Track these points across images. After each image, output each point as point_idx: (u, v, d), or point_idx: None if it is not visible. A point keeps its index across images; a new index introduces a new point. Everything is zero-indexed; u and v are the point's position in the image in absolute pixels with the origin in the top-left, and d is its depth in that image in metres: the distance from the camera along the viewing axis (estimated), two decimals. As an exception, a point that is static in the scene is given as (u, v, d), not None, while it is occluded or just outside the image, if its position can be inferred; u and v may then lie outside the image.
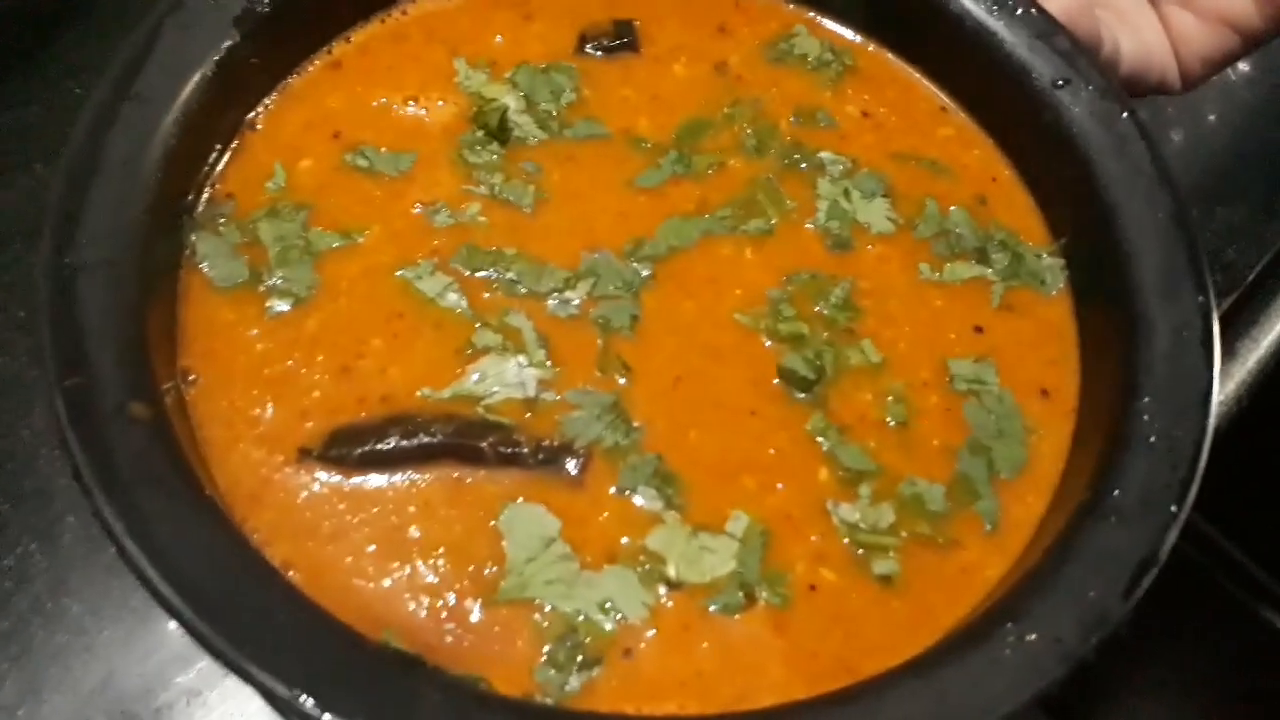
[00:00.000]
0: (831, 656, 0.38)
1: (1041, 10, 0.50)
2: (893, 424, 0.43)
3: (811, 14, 0.54)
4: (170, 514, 0.34)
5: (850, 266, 0.47)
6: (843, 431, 0.43)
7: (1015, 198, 0.50)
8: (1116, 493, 0.38)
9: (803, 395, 0.43)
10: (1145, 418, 0.40)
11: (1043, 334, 0.47)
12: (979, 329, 0.46)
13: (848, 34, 0.54)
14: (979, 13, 0.50)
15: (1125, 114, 0.47)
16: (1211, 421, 0.39)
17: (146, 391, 0.37)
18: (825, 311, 0.45)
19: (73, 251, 0.39)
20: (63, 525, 0.52)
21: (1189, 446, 0.38)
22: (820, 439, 0.42)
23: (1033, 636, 0.34)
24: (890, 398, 0.44)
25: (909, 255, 0.48)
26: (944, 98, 0.53)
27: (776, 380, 0.43)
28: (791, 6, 0.54)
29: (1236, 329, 0.64)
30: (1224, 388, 0.62)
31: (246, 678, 0.31)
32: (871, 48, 0.54)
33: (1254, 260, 0.70)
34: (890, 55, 0.53)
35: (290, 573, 0.37)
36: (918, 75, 0.53)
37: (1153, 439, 0.39)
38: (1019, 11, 0.50)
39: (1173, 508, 0.37)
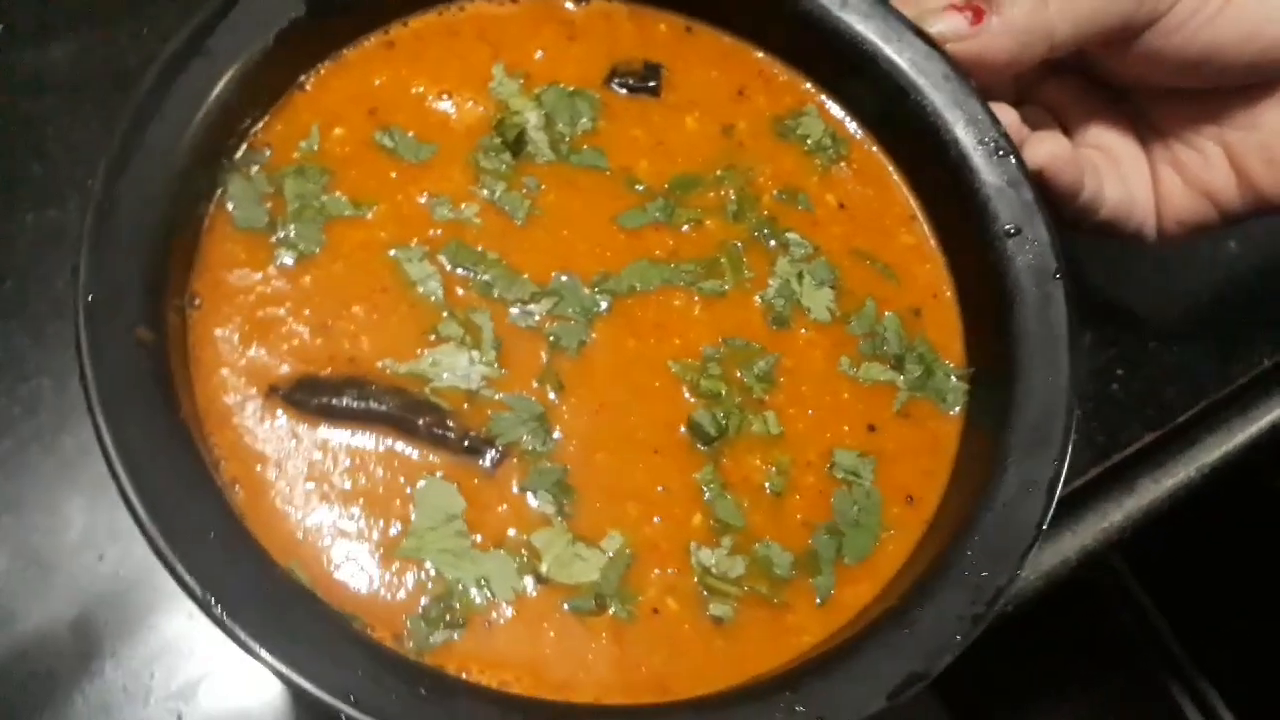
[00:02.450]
0: (652, 673, 0.46)
1: (1020, 161, 0.54)
2: (769, 491, 0.50)
3: (823, 97, 0.59)
4: (148, 426, 0.42)
5: (781, 343, 0.53)
6: (725, 487, 0.50)
7: (947, 318, 0.56)
8: (919, 609, 0.45)
9: (703, 447, 0.50)
10: (969, 552, 0.46)
11: (927, 446, 0.53)
12: (872, 428, 0.53)
13: (852, 126, 0.59)
14: (967, 145, 0.55)
15: (1057, 275, 0.52)
16: (1019, 572, 0.46)
17: (155, 317, 0.44)
18: (746, 378, 0.52)
19: (123, 176, 0.46)
20: (73, 371, 0.60)
21: (991, 589, 0.45)
22: (705, 488, 0.49)
23: (801, 709, 0.42)
24: (774, 469, 0.50)
25: (836, 346, 0.54)
26: (916, 207, 0.58)
27: (684, 429, 0.50)
28: (809, 86, 0.59)
29: (1144, 468, 0.70)
30: (1112, 519, 0.68)
31: (172, 573, 0.39)
32: (870, 146, 0.59)
33: (1190, 403, 0.75)
34: (882, 156, 0.58)
35: (236, 488, 0.45)
36: (899, 179, 0.58)
37: (967, 572, 0.46)
38: (1000, 155, 0.54)
39: (958, 637, 0.44)
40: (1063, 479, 0.48)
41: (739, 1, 0.58)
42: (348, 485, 0.46)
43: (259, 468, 0.46)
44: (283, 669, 0.38)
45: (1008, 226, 0.53)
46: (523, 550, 0.47)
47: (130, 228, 0.45)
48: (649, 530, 0.48)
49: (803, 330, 0.54)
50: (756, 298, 0.54)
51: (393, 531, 0.46)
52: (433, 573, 0.45)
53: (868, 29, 0.57)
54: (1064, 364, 0.51)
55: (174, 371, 0.45)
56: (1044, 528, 0.46)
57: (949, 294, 0.56)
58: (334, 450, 0.47)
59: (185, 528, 0.40)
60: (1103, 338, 0.74)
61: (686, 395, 0.51)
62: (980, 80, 0.56)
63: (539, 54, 0.57)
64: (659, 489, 0.49)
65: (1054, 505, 0.47)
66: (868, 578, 0.49)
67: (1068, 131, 0.62)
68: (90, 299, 0.42)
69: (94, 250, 0.43)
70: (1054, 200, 0.58)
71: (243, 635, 0.38)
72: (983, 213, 0.54)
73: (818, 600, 0.48)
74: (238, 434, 0.46)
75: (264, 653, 0.38)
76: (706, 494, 0.49)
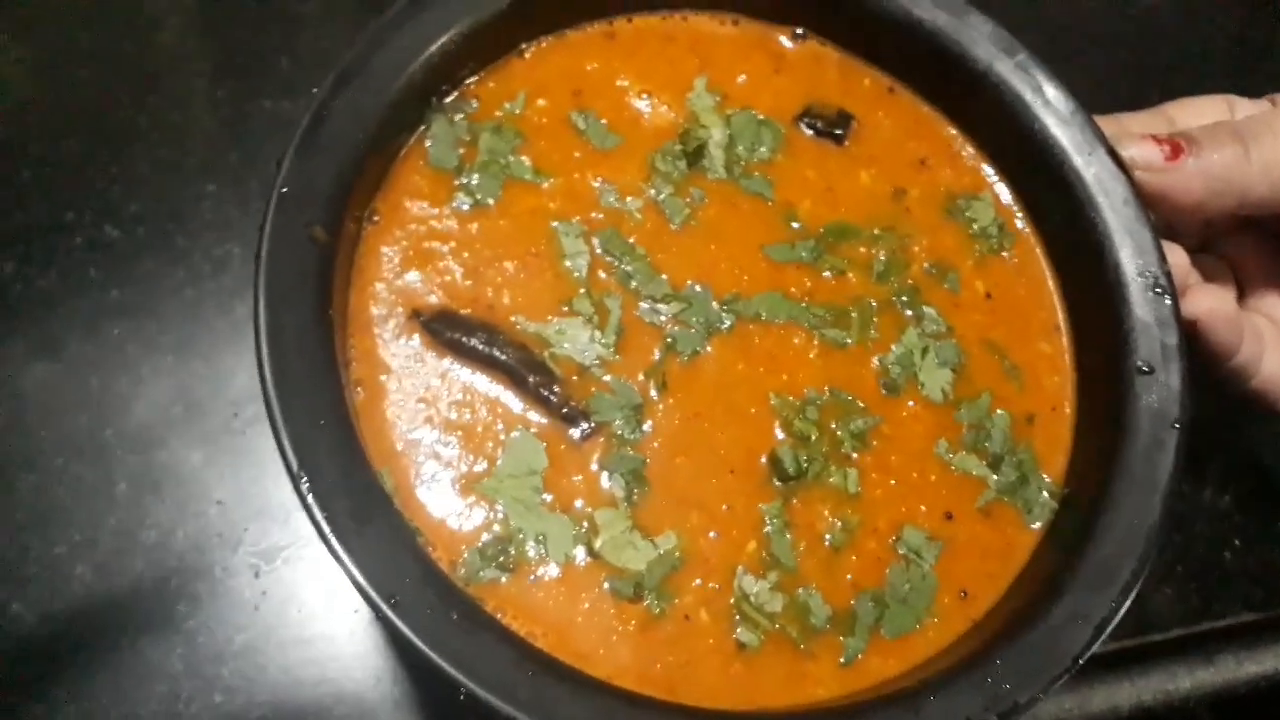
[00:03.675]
0: (665, 672, 0.48)
1: (1175, 303, 0.53)
2: (828, 544, 0.51)
3: (1001, 186, 0.59)
4: (299, 312, 0.47)
5: (886, 409, 0.54)
6: (787, 526, 0.51)
7: (1059, 434, 0.55)
8: (933, 696, 0.46)
9: (778, 483, 0.52)
10: (999, 661, 0.47)
11: (998, 550, 0.53)
12: (949, 516, 0.53)
13: (1020, 222, 0.59)
14: (1128, 273, 0.54)
15: (1175, 425, 0.51)
16: (1041, 695, 0.46)
17: (334, 221, 0.49)
18: (840, 432, 0.53)
19: (345, 90, 0.51)
20: (232, 256, 0.68)
21: (1008, 702, 0.45)
22: (768, 520, 0.51)
23: (790, 749, 0.44)
24: (840, 524, 0.52)
25: (937, 428, 0.54)
26: (1062, 319, 0.57)
27: (764, 459, 0.52)
28: (991, 172, 0.60)
29: (1231, 645, 0.67)
30: (1180, 684, 0.65)
31: (278, 442, 0.44)
32: (1034, 246, 0.59)
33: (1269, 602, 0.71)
34: (1043, 259, 0.58)
35: (358, 389, 0.50)
36: (1053, 287, 0.58)
37: (990, 679, 0.46)
38: (1157, 291, 0.54)
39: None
40: (1115, 621, 0.47)
41: (948, 74, 0.59)
42: (453, 415, 0.51)
43: (383, 377, 0.51)
44: (342, 554, 0.43)
45: (1142, 364, 0.53)
46: (584, 522, 0.50)
47: (337, 138, 0.51)
48: (703, 542, 0.51)
49: (910, 403, 0.55)
50: (875, 359, 0.55)
51: (478, 468, 0.50)
52: (500, 515, 0.49)
53: (1062, 134, 0.57)
54: (1155, 511, 0.50)
55: (336, 271, 0.50)
56: (1080, 662, 0.46)
57: (1068, 411, 0.56)
58: (451, 382, 0.51)
59: (302, 408, 0.45)
60: (1231, 504, 0.71)
61: (777, 430, 0.53)
62: (1162, 216, 0.55)
63: (742, 78, 0.60)
64: (724, 507, 0.51)
65: (1096, 645, 0.47)
66: (898, 655, 0.50)
67: (1244, 291, 0.60)
68: (284, 190, 0.48)
69: (300, 149, 0.49)
70: (1205, 356, 0.56)
71: (318, 514, 0.43)
72: (1123, 343, 0.54)
73: (842, 660, 0.50)
74: (374, 343, 0.51)
75: (331, 535, 0.43)
76: (768, 527, 0.51)
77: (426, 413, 0.51)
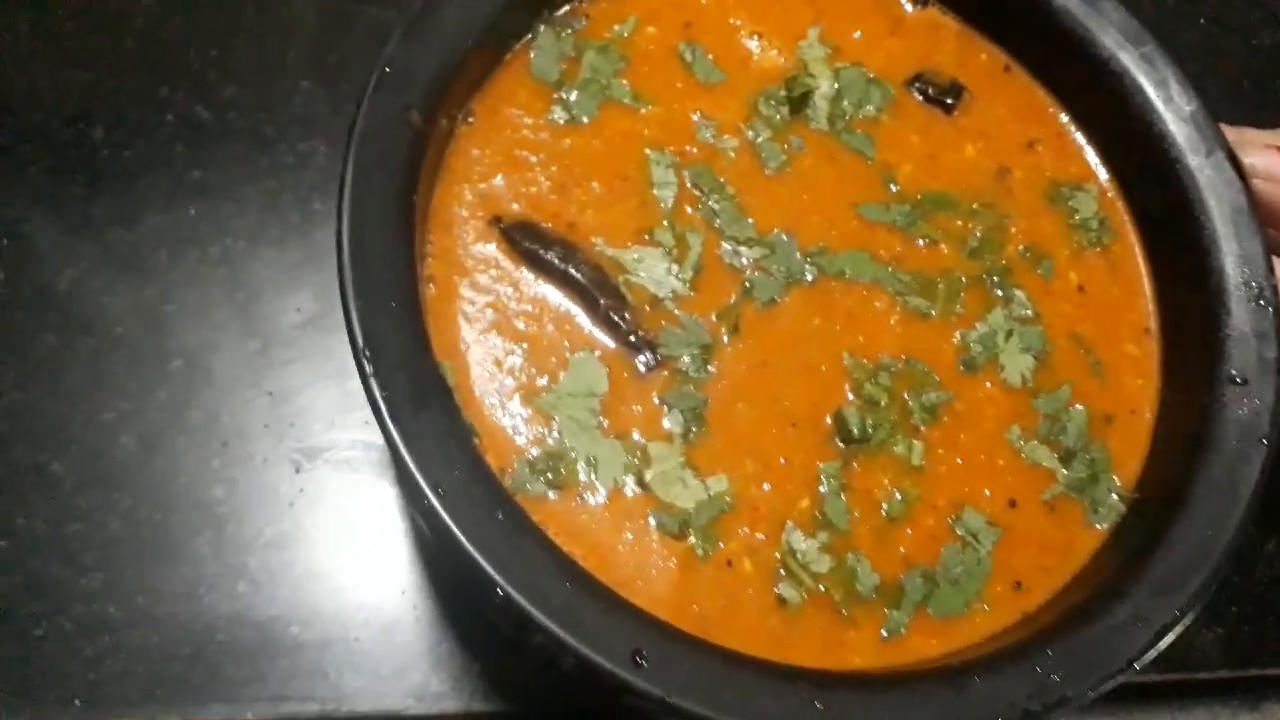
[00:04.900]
0: (701, 614, 0.47)
1: (1279, 317, 0.51)
2: (884, 513, 0.50)
3: (1108, 180, 0.57)
4: (383, 194, 0.46)
5: (961, 386, 0.52)
6: (844, 489, 0.50)
7: (1136, 438, 0.53)
8: (977, 678, 0.44)
9: (840, 444, 0.50)
10: (1050, 652, 0.44)
11: (1059, 546, 0.51)
12: (1013, 504, 0.51)
13: (1125, 218, 0.57)
14: (1231, 280, 0.52)
15: (1264, 441, 0.49)
16: (1090, 692, 0.43)
17: (430, 111, 0.49)
18: (911, 402, 0.52)
19: (451, -4, 0.50)
20: (317, 152, 0.67)
21: (1055, 695, 0.43)
22: (824, 480, 0.50)
23: (820, 707, 0.42)
24: (899, 495, 0.50)
25: (1012, 414, 0.52)
26: (1154, 323, 0.55)
27: (829, 419, 0.51)
28: (1099, 165, 0.58)
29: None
30: (1221, 722, 0.63)
31: (347, 320, 0.43)
32: (1134, 245, 0.57)
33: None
34: (1142, 259, 0.56)
35: (430, 285, 0.49)
36: (1149, 289, 0.56)
37: (1039, 669, 0.44)
38: (1260, 303, 0.51)
39: None
40: (1175, 632, 0.45)
41: (1068, 58, 0.57)
42: (521, 326, 0.50)
43: (456, 277, 0.50)
44: (396, 437, 0.42)
45: (1235, 374, 0.50)
46: (637, 452, 0.49)
47: (446, 28, 0.50)
48: (755, 491, 0.49)
49: (988, 384, 0.53)
50: (956, 334, 0.53)
51: (540, 382, 0.49)
52: (556, 432, 0.48)
53: (1180, 132, 0.55)
54: (1233, 526, 0.47)
55: (424, 163, 0.49)
56: (1136, 667, 0.44)
57: (1148, 415, 0.54)
58: (523, 292, 0.50)
59: (374, 287, 0.44)
60: (1301, 551, 0.68)
61: (847, 391, 0.51)
62: (1274, 229, 0.53)
63: (857, 34, 0.58)
64: (781, 460, 0.50)
65: (1156, 649, 0.45)
66: (941, 636, 0.48)
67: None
68: (387, 70, 0.47)
69: (408, 33, 0.48)
70: None
71: (377, 392, 0.42)
72: (1218, 351, 0.51)
73: (884, 633, 0.48)
74: (452, 241, 0.50)
75: (387, 416, 0.42)
76: (823, 486, 0.50)
77: (495, 318, 0.50)
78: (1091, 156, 0.58)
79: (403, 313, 0.45)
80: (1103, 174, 0.58)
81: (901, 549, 0.49)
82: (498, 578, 0.41)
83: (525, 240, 0.51)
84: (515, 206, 0.52)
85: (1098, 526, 0.51)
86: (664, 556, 0.47)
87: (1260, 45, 0.85)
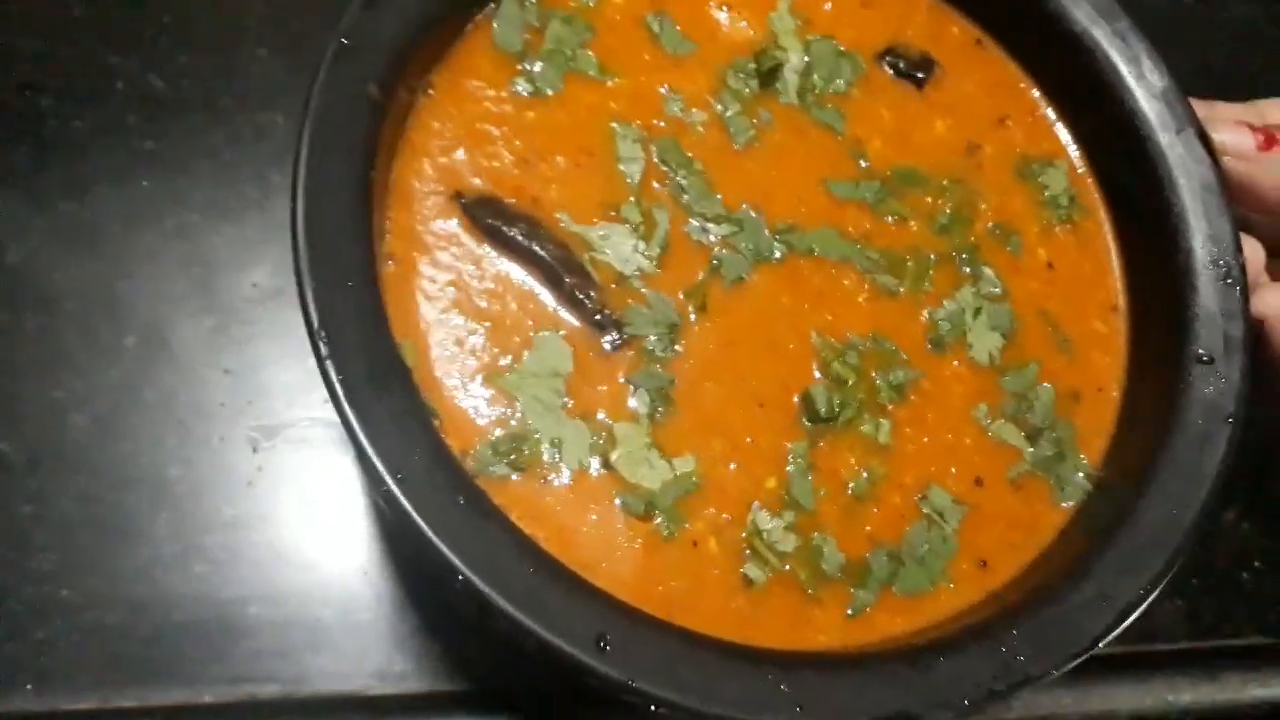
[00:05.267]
0: (666, 595, 0.46)
1: (1245, 296, 0.51)
2: (850, 492, 0.49)
3: (1078, 156, 0.57)
4: (341, 169, 0.45)
5: (929, 365, 0.52)
6: (811, 468, 0.49)
7: (1102, 415, 0.53)
8: (941, 659, 0.44)
9: (807, 423, 0.50)
10: (1014, 632, 0.45)
11: (1024, 523, 0.51)
12: (979, 482, 0.51)
13: (1095, 196, 0.57)
14: (1199, 259, 0.52)
15: (1230, 420, 0.49)
16: (1054, 670, 0.44)
17: (389, 84, 0.47)
18: (879, 381, 0.51)
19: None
20: (275, 124, 0.65)
21: (1020, 674, 0.43)
22: (791, 460, 0.49)
23: (786, 689, 0.42)
24: (866, 474, 0.50)
25: (979, 392, 0.52)
26: (1123, 300, 0.55)
27: (797, 398, 0.50)
28: (1070, 142, 0.57)
29: (1238, 667, 0.65)
30: (1181, 696, 0.63)
31: (301, 298, 0.42)
32: (1103, 222, 0.56)
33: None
34: (1111, 237, 0.56)
35: (389, 262, 0.48)
36: (1118, 267, 0.56)
37: (1004, 649, 0.44)
38: (1228, 282, 0.51)
39: (965, 701, 0.43)
40: (1140, 611, 0.45)
41: (1041, 33, 0.56)
42: (483, 304, 0.48)
43: (416, 254, 0.49)
44: (353, 420, 0.41)
45: (1202, 353, 0.50)
46: (603, 433, 0.48)
47: (404, 2, 0.48)
48: (722, 471, 0.49)
49: (955, 363, 0.52)
50: (924, 312, 0.53)
51: (502, 362, 0.48)
52: (519, 413, 0.47)
53: (1151, 109, 0.54)
54: (1197, 505, 0.48)
55: (383, 137, 0.48)
56: (1099, 644, 0.44)
57: (1115, 394, 0.54)
58: (485, 269, 0.49)
59: (330, 265, 0.43)
60: (1258, 526, 0.69)
61: (815, 370, 0.51)
62: (1244, 207, 0.53)
63: (828, 5, 0.57)
64: (748, 439, 0.49)
65: (1120, 628, 0.45)
66: (907, 614, 0.48)
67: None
68: (344, 42, 0.46)
69: (366, 5, 0.47)
70: (1265, 358, 0.54)
71: (333, 374, 0.41)
72: (1185, 329, 0.51)
73: (849, 611, 0.48)
74: (412, 217, 0.49)
75: (344, 398, 0.41)
76: (790, 466, 0.49)
77: (456, 297, 0.48)
78: (1062, 132, 0.58)
79: (360, 291, 0.44)
80: (1073, 150, 0.57)
81: (868, 528, 0.49)
82: (458, 563, 0.40)
83: (487, 216, 0.50)
84: (477, 182, 0.50)
85: (1063, 505, 0.51)
86: (629, 538, 0.47)
87: (1229, 18, 0.84)
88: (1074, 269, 0.55)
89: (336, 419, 0.42)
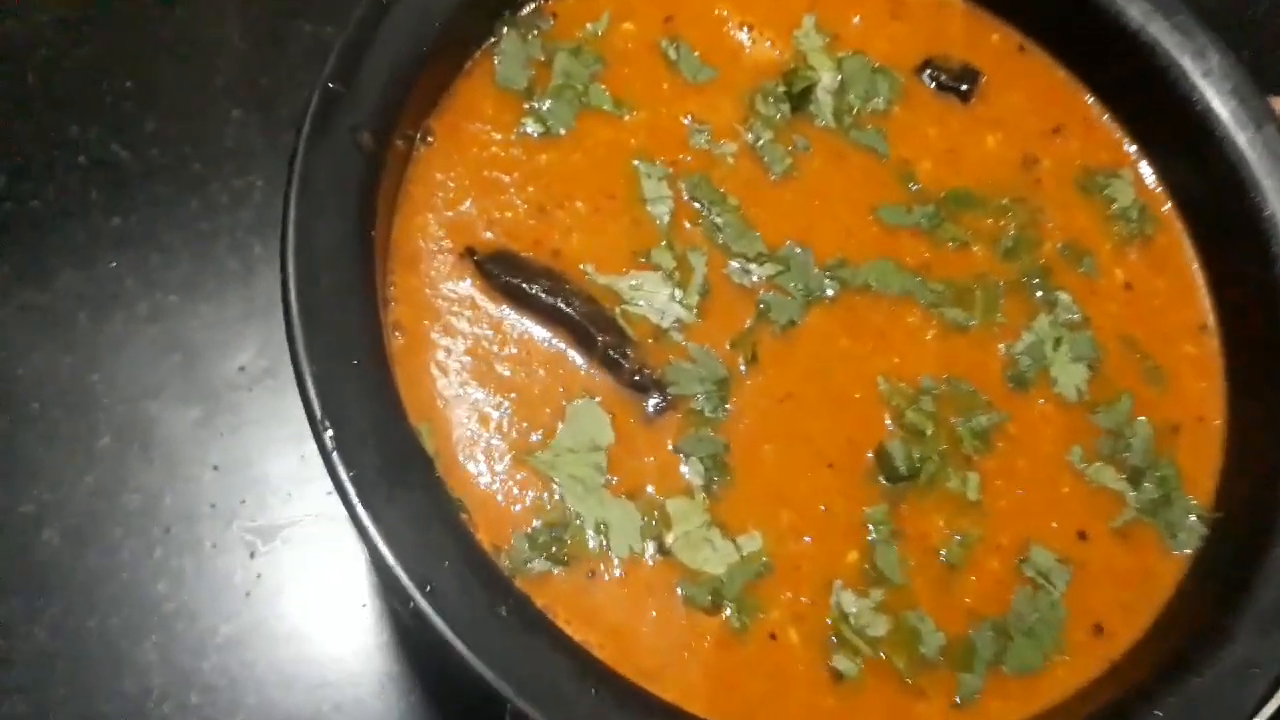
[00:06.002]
0: (745, 702, 0.40)
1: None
2: (943, 559, 0.43)
3: (1144, 164, 0.52)
4: (335, 230, 0.39)
5: (1013, 406, 0.46)
6: (895, 535, 0.43)
7: (1207, 449, 0.47)
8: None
9: (885, 482, 0.44)
10: (1158, 714, 0.38)
11: (1137, 578, 0.45)
12: (1083, 535, 0.45)
13: (1166, 207, 0.51)
14: (1303, 264, 0.47)
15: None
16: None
17: (383, 132, 0.41)
18: (960, 429, 0.45)
19: (401, -7, 0.43)
20: (254, 189, 0.60)
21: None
22: (872, 528, 0.43)
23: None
24: (958, 538, 0.43)
25: (1072, 432, 0.46)
26: (1211, 318, 0.49)
27: (871, 455, 0.44)
28: (1133, 148, 0.52)
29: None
30: None
31: (299, 382, 0.36)
32: (1180, 234, 0.51)
33: None
34: (1190, 249, 0.51)
35: (396, 334, 0.42)
36: (1201, 282, 0.50)
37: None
38: (1338, 291, 0.46)
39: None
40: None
41: (1090, 32, 0.51)
42: (506, 373, 0.42)
43: (426, 322, 0.43)
44: (370, 525, 0.35)
45: (1324, 375, 0.45)
46: (655, 512, 0.41)
47: (394, 41, 0.43)
48: (795, 547, 0.42)
49: (1041, 401, 0.47)
50: (1001, 347, 0.47)
51: (533, 438, 0.42)
52: (556, 496, 0.41)
53: (1223, 107, 0.49)
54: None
55: (380, 193, 0.42)
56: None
57: (1218, 423, 0.48)
58: (506, 333, 0.43)
59: (330, 342, 0.37)
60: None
61: (887, 420, 0.45)
62: None
63: (856, 19, 0.52)
64: (821, 508, 0.43)
65: (1277, 699, 0.38)
66: (1022, 696, 0.42)
67: None
68: (330, 85, 0.40)
69: (352, 47, 0.41)
70: None
71: (341, 470, 0.35)
72: (1295, 351, 0.46)
73: (957, 699, 0.41)
74: (420, 281, 0.43)
75: (357, 499, 0.35)
76: (872, 534, 0.43)
77: (475, 367, 0.42)
78: (1124, 139, 0.52)
79: (367, 370, 0.38)
80: (1138, 159, 0.52)
81: (966, 600, 0.43)
82: (508, 691, 0.33)
83: (504, 273, 0.44)
84: (489, 235, 0.45)
85: (1176, 553, 0.45)
86: (696, 634, 0.40)
87: (1255, 15, 0.80)
88: (1154, 288, 0.50)
89: (342, 511, 0.36)
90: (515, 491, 0.41)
